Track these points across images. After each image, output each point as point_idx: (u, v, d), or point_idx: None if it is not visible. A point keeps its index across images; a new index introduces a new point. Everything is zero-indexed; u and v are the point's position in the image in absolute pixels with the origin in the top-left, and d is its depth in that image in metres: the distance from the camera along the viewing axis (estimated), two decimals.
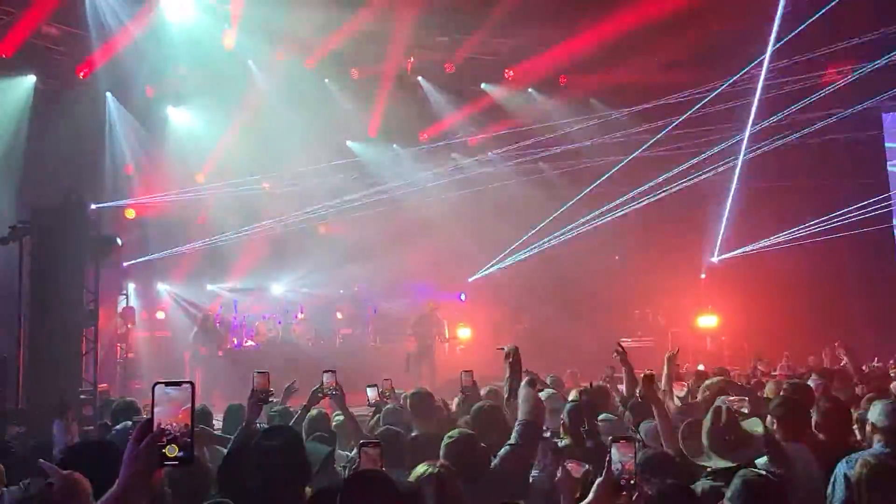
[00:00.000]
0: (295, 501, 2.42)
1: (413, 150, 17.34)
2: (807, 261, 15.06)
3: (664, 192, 15.58)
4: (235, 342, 15.07)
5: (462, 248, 16.91)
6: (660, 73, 14.71)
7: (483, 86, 16.57)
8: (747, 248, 15.98)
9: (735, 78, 14.20)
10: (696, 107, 14.48)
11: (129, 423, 4.05)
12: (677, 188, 15.46)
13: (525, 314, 16.52)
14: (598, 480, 2.40)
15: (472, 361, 15.99)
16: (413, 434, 4.43)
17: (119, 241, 8.59)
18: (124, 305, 13.87)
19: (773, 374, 8.40)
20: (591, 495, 2.40)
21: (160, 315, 15.66)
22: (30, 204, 8.48)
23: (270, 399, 4.03)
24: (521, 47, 15.74)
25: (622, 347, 6.02)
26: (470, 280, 18.04)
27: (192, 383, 1.73)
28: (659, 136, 15.14)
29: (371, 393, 5.67)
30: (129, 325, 13.81)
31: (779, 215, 15.80)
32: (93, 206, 8.62)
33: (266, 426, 4.22)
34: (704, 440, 3.48)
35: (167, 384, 1.72)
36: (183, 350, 13.90)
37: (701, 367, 12.26)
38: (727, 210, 16.20)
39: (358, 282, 17.07)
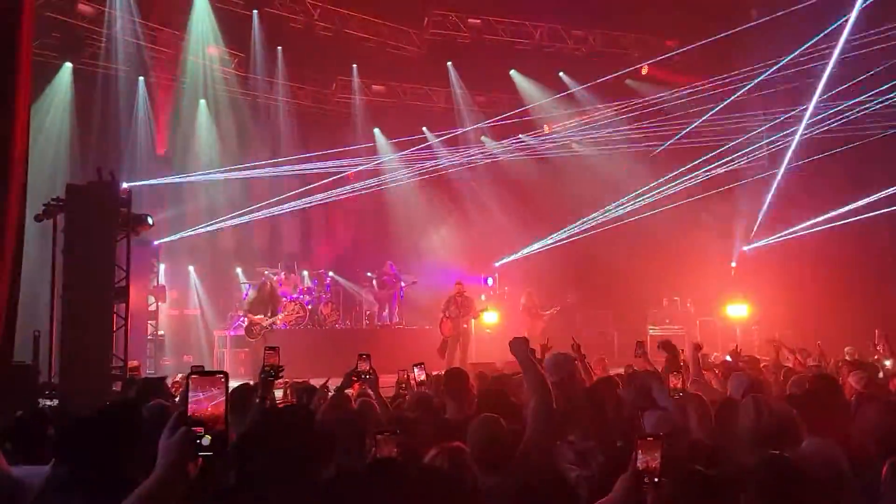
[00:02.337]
0: (308, 484, 2.42)
1: (443, 132, 17.34)
2: (841, 248, 14.62)
3: (696, 177, 15.38)
4: None
5: (491, 232, 16.86)
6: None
7: (512, 73, 16.47)
8: (780, 236, 15.60)
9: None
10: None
11: (163, 402, 4.08)
12: (709, 175, 15.25)
13: (551, 301, 16.37)
14: (622, 477, 2.31)
15: (500, 345, 16.10)
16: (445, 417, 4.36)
17: (151, 222, 8.67)
18: (155, 283, 14.04)
19: (810, 365, 8.16)
20: (612, 493, 2.31)
21: (190, 293, 15.84)
22: (64, 181, 8.62)
23: (280, 375, 4.02)
24: (554, 29, 15.65)
25: (642, 348, 5.95)
26: (497, 264, 17.98)
27: (225, 374, 1.75)
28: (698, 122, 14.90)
29: (417, 372, 5.53)
30: (159, 303, 14.01)
31: (812, 202, 15.38)
32: (125, 185, 8.73)
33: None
34: (741, 432, 3.42)
35: (202, 374, 1.75)
36: (214, 330, 14.09)
37: (729, 358, 12.16)
38: (768, 197, 15.76)
39: (385, 263, 17.10)
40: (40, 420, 3.83)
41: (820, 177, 14.76)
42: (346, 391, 4.67)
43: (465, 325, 13.55)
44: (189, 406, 1.70)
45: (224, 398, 1.72)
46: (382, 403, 4.56)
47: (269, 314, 12.67)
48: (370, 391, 4.78)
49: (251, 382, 4.84)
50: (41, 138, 12.75)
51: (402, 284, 16.16)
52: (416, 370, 5.42)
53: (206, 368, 10.29)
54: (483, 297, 14.85)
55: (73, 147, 13.49)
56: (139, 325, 12.23)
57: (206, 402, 1.70)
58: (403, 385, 5.67)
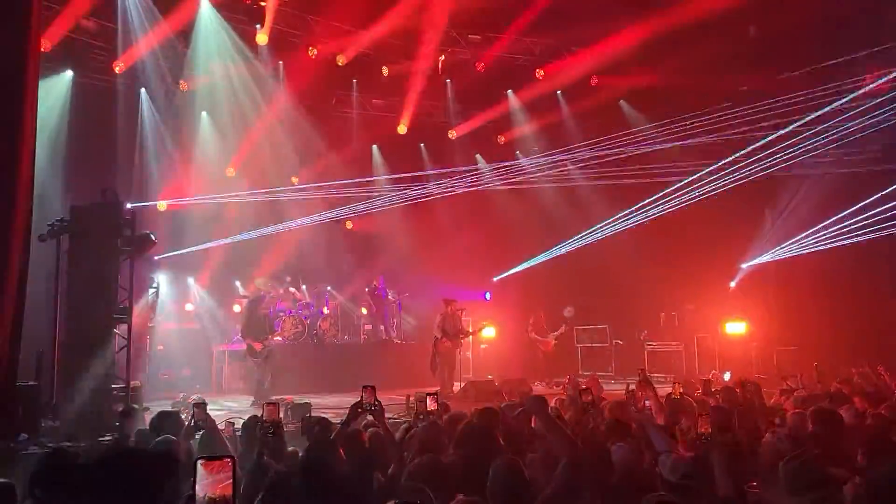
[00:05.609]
0: None
1: (441, 148, 17.44)
2: (841, 269, 14.59)
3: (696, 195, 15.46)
4: None
5: (488, 248, 16.91)
6: (694, 75, 14.52)
7: (508, 93, 16.59)
8: (780, 252, 15.58)
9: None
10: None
11: (172, 437, 4.09)
12: (709, 192, 15.33)
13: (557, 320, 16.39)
14: None
15: (496, 361, 16.16)
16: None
17: (154, 238, 8.67)
18: (154, 298, 14.00)
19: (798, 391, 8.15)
20: None
21: (189, 307, 15.82)
22: (68, 202, 8.63)
23: (284, 430, 4.00)
24: (553, 47, 15.71)
25: (643, 373, 6.02)
26: (495, 279, 18.03)
27: (233, 457, 1.83)
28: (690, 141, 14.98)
29: (429, 402, 5.26)
30: (158, 317, 13.97)
31: (812, 220, 15.35)
32: (128, 206, 8.76)
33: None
34: (782, 477, 3.39)
35: (209, 458, 1.82)
36: (212, 345, 14.05)
37: (727, 377, 12.19)
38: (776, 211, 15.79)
39: (377, 277, 17.14)
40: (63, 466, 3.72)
41: (820, 195, 14.83)
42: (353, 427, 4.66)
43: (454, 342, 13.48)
44: (198, 487, 1.77)
45: (232, 480, 1.78)
46: (390, 436, 4.56)
47: (265, 337, 12.36)
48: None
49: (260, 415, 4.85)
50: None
51: (391, 299, 16.20)
52: (428, 400, 5.29)
53: (205, 382, 10.21)
54: (485, 324, 14.82)
55: (68, 161, 13.39)
56: (138, 340, 12.17)
57: (215, 484, 1.77)
58: (422, 416, 5.51)
